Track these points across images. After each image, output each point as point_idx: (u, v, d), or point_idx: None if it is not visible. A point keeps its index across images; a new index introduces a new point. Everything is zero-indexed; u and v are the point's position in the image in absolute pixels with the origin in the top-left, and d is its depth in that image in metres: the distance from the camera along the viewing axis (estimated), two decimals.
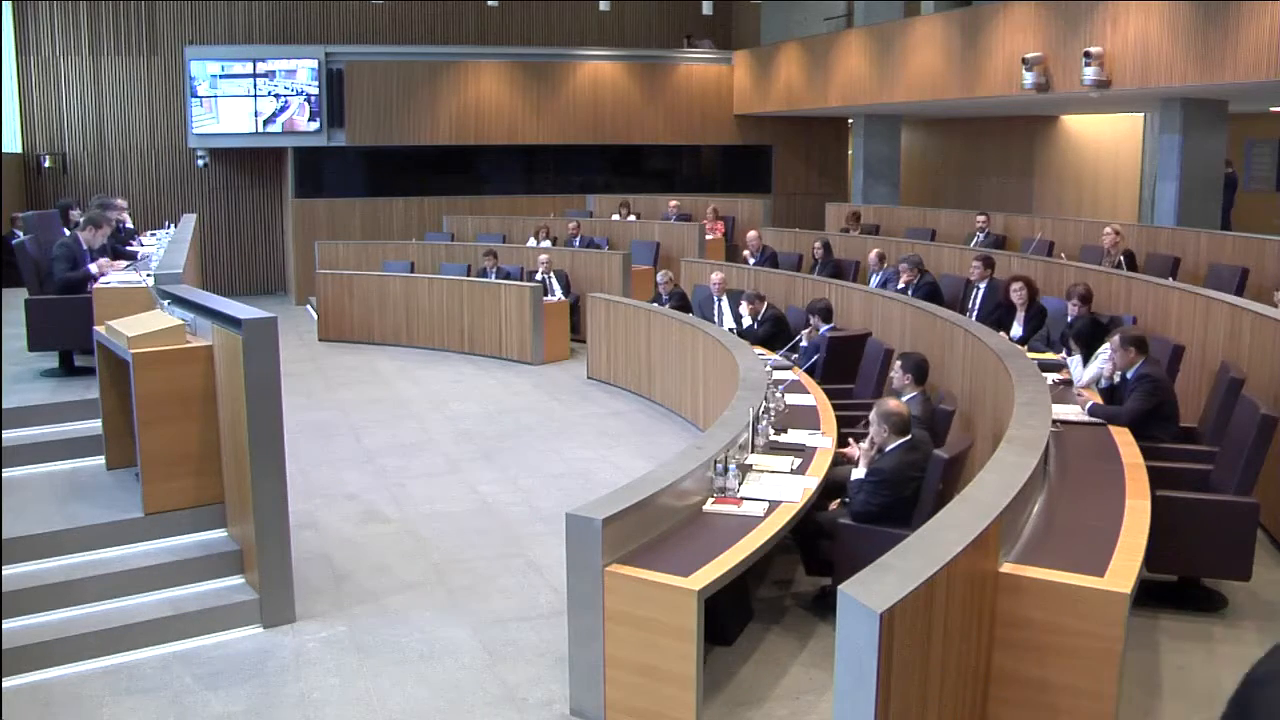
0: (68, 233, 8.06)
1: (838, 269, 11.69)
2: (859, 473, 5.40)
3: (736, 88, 18.11)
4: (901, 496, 5.15)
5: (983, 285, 9.56)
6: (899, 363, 6.32)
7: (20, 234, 8.93)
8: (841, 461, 6.05)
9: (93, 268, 7.65)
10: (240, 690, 4.81)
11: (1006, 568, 3.89)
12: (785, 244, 13.52)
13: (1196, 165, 11.78)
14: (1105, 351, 6.55)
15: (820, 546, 5.32)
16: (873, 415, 5.37)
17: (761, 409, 6.15)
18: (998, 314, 8.90)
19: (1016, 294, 8.63)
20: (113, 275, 7.54)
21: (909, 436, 5.29)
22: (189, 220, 11.52)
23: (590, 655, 4.44)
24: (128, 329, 5.66)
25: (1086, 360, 6.93)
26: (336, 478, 7.94)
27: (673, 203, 15.97)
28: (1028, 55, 11.73)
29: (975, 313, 9.32)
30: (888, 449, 5.29)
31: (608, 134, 17.74)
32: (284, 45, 16.66)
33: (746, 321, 9.64)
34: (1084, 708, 3.73)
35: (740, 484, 5.31)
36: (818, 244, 12.07)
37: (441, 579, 6.05)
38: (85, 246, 7.81)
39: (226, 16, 17.00)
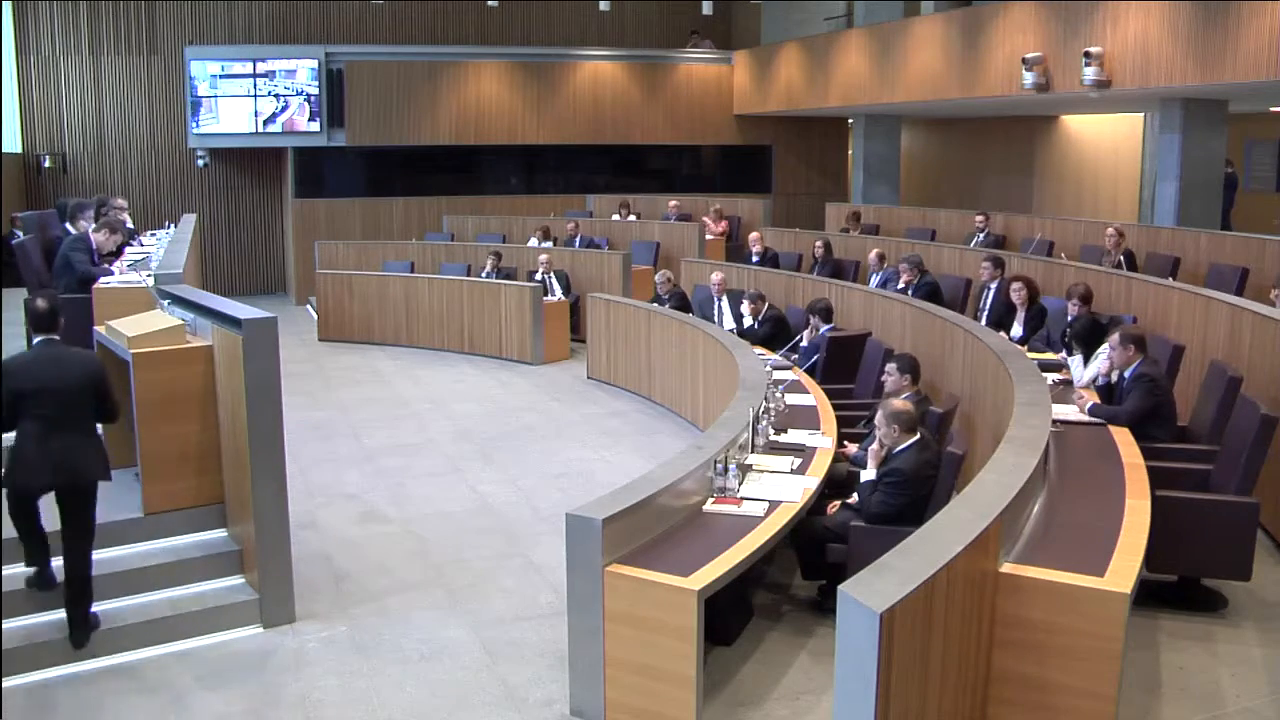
0: (73, 230, 8.03)
1: (838, 269, 11.69)
2: (869, 474, 5.35)
3: (736, 88, 18.11)
4: (919, 495, 5.14)
5: (993, 286, 9.39)
6: (893, 365, 6.31)
7: (20, 234, 8.92)
8: (840, 461, 6.05)
9: (114, 268, 7.66)
10: (240, 690, 4.81)
11: (1006, 568, 3.89)
12: (785, 244, 13.53)
13: (1196, 165, 11.78)
14: (1105, 350, 6.55)
15: (827, 550, 5.30)
16: (879, 416, 5.33)
17: (761, 409, 6.15)
18: (998, 314, 8.89)
19: (1016, 294, 8.62)
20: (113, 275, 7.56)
21: (919, 435, 5.28)
22: (189, 220, 11.53)
23: (590, 655, 4.44)
24: (128, 329, 5.66)
25: (1086, 360, 6.93)
26: (336, 478, 7.95)
27: (673, 203, 15.97)
28: (1028, 55, 11.74)
29: (986, 314, 9.23)
30: (899, 449, 5.25)
31: (608, 134, 17.73)
32: (284, 45, 16.66)
33: (747, 321, 9.64)
34: (1084, 708, 3.73)
35: (740, 484, 5.31)
36: (818, 244, 12.07)
37: (441, 579, 6.05)
38: (95, 247, 7.81)
39: (226, 16, 17.00)
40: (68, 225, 8.24)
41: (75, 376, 4.87)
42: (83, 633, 4.99)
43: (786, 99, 16.78)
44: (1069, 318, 7.84)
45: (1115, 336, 6.32)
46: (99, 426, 5.09)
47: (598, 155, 18.22)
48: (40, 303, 5.01)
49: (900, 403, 5.47)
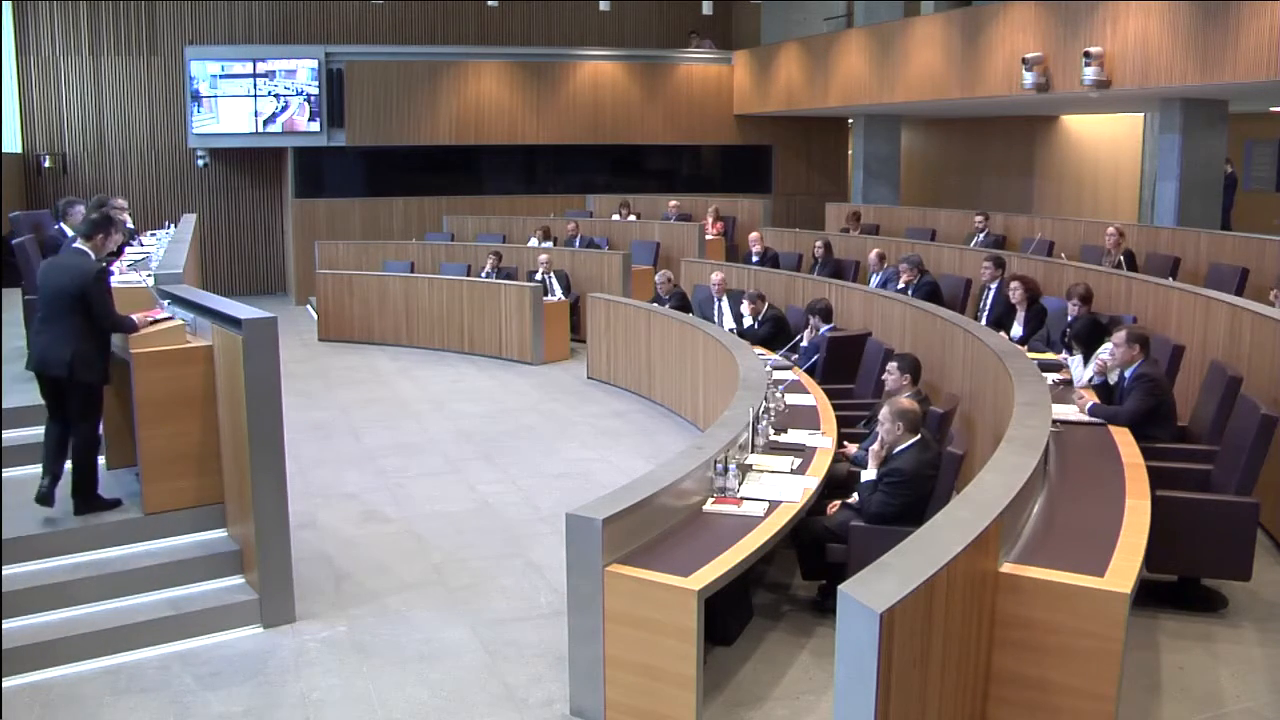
0: (65, 229, 8.02)
1: (838, 269, 11.69)
2: (869, 474, 5.35)
3: (736, 88, 18.12)
4: (919, 495, 5.14)
5: (993, 286, 9.37)
6: (894, 365, 6.31)
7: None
8: (840, 461, 6.04)
9: (114, 268, 7.65)
10: (240, 690, 4.81)
11: (1006, 568, 3.89)
12: (785, 244, 13.53)
13: (1196, 165, 11.78)
14: (1107, 349, 6.54)
15: (827, 550, 5.29)
16: (885, 414, 5.31)
17: (761, 409, 6.15)
18: (998, 314, 8.88)
19: (1015, 294, 8.62)
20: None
21: (920, 435, 5.28)
22: (189, 220, 11.54)
23: (590, 655, 4.44)
24: None
25: (1087, 360, 6.93)
26: (336, 478, 7.95)
27: (673, 203, 15.97)
28: (1028, 55, 11.74)
29: (986, 314, 9.22)
30: (899, 449, 5.24)
31: (608, 134, 17.74)
32: (284, 45, 16.67)
33: (747, 321, 9.64)
34: (1084, 708, 3.73)
35: (740, 484, 5.31)
36: (818, 244, 12.06)
37: (441, 579, 6.05)
38: None
39: (226, 16, 17.01)
40: (61, 224, 8.24)
41: (61, 283, 5.34)
42: (80, 512, 5.58)
43: (786, 99, 16.78)
44: (1069, 318, 7.83)
45: (1120, 335, 6.30)
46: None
47: (598, 155, 18.22)
48: (94, 215, 5.68)
49: (907, 401, 5.46)
